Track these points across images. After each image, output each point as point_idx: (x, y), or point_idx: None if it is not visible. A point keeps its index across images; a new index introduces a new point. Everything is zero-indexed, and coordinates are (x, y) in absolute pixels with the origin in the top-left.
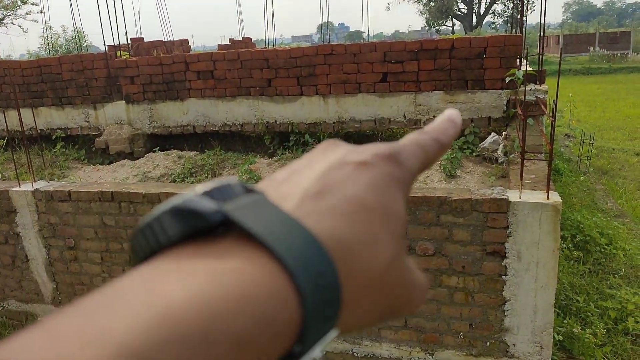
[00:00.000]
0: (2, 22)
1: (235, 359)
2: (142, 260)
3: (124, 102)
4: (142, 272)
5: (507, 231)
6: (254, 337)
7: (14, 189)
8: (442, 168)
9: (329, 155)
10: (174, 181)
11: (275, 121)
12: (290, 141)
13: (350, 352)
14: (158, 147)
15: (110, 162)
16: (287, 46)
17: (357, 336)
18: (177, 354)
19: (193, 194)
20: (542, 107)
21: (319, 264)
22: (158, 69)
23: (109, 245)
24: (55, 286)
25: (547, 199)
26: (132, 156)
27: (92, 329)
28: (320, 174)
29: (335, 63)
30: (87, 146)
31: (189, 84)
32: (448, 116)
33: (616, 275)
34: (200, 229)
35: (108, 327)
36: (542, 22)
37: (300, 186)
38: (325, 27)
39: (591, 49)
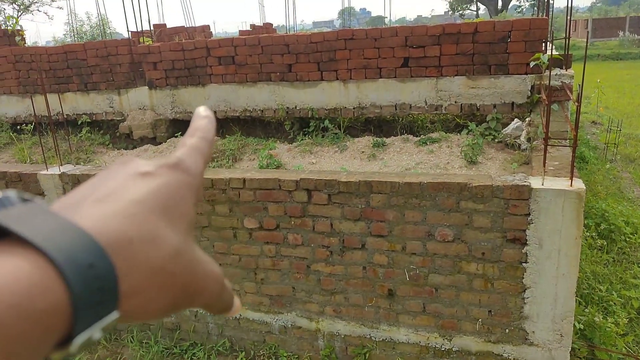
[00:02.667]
0: (28, 9)
1: None
2: None
3: (147, 87)
4: None
5: (529, 218)
6: (15, 322)
7: (41, 172)
8: (463, 154)
9: (122, 169)
10: None
11: (296, 107)
12: (310, 127)
13: (369, 336)
14: (180, 132)
15: (134, 147)
16: (307, 32)
17: (374, 320)
18: None
19: None
20: (568, 92)
21: (89, 256)
22: (180, 55)
23: None
24: None
25: (571, 185)
26: (154, 141)
27: None
28: (110, 185)
29: (356, 48)
30: (111, 131)
31: (210, 70)
32: (201, 114)
33: None
34: None
35: None
36: (570, 5)
37: (89, 196)
38: (346, 13)
39: (621, 33)
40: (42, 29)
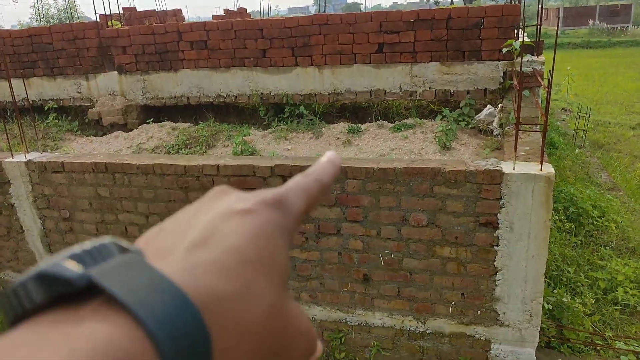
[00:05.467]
0: None
1: None
2: (11, 326)
3: (116, 72)
4: None
5: (500, 202)
6: None
7: (6, 160)
8: (437, 140)
9: (216, 204)
10: (168, 153)
11: (270, 92)
12: (285, 113)
13: (344, 321)
14: (152, 119)
15: (104, 134)
16: (282, 17)
17: (350, 305)
18: None
19: (62, 257)
20: (539, 78)
21: (185, 324)
22: (150, 39)
23: (104, 217)
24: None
25: (541, 170)
26: (125, 128)
27: None
28: (204, 225)
29: (331, 33)
30: (80, 117)
31: (182, 55)
32: (328, 158)
33: (607, 247)
34: (68, 294)
35: None
36: None
37: (183, 238)
38: None
39: (591, 22)
40: (6, 12)
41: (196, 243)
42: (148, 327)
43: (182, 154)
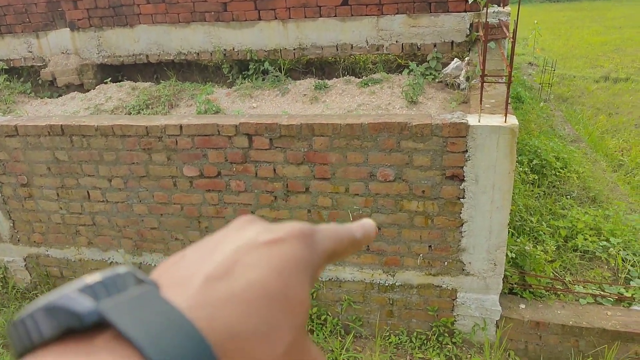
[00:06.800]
0: None
1: None
2: (19, 357)
3: (68, 29)
4: None
5: (466, 155)
6: None
7: None
8: (403, 94)
9: (241, 234)
10: (129, 113)
11: (233, 49)
12: (249, 70)
13: None
14: (110, 79)
15: (59, 95)
16: None
17: None
18: None
19: (74, 288)
20: (504, 29)
21: (196, 359)
22: None
23: (64, 181)
24: (12, 224)
25: (505, 122)
26: (82, 88)
27: None
28: (226, 255)
29: None
30: (32, 78)
31: (138, 9)
32: (367, 222)
33: (569, 197)
34: (76, 328)
35: None
36: None
37: (204, 268)
38: None
39: None
40: None
41: (216, 274)
42: None
43: (144, 114)
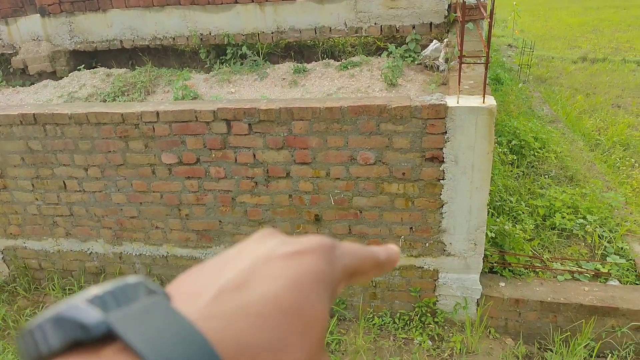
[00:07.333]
0: None
1: None
2: None
3: (38, 15)
4: None
5: (445, 136)
6: None
7: None
8: (383, 77)
9: (260, 246)
10: (104, 101)
11: (210, 33)
12: (227, 54)
13: None
14: (83, 65)
15: (32, 84)
16: None
17: None
18: None
19: (82, 299)
20: (482, 10)
21: None
22: None
23: (38, 172)
24: None
25: (483, 102)
26: (55, 76)
27: None
28: (242, 267)
29: None
30: (3, 67)
31: None
32: (392, 247)
33: (547, 176)
34: (85, 340)
35: None
36: None
37: (220, 279)
38: None
39: None
40: None
41: (230, 286)
42: None
43: (120, 101)
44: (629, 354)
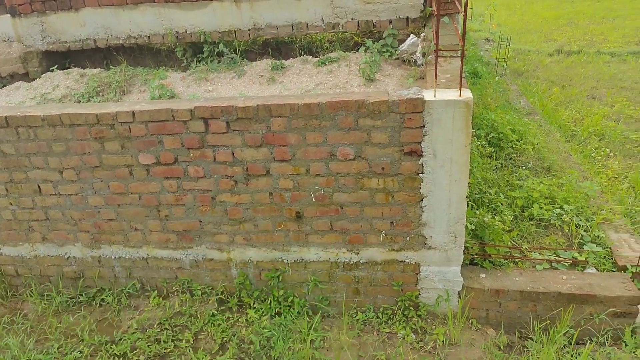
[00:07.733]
0: None
1: None
2: None
3: (9, 15)
4: None
5: (423, 130)
6: None
7: None
8: (361, 72)
9: None
10: (79, 102)
11: (186, 31)
12: (204, 52)
13: (280, 260)
14: (56, 66)
15: (4, 86)
16: None
17: (285, 244)
18: None
19: None
20: (457, 4)
21: None
22: None
23: (12, 176)
24: None
25: (460, 96)
26: (27, 77)
27: None
28: None
29: None
30: None
31: None
32: None
33: (525, 168)
34: None
35: None
36: None
37: None
38: None
39: None
40: None
41: None
42: None
43: (94, 102)
44: (607, 340)
